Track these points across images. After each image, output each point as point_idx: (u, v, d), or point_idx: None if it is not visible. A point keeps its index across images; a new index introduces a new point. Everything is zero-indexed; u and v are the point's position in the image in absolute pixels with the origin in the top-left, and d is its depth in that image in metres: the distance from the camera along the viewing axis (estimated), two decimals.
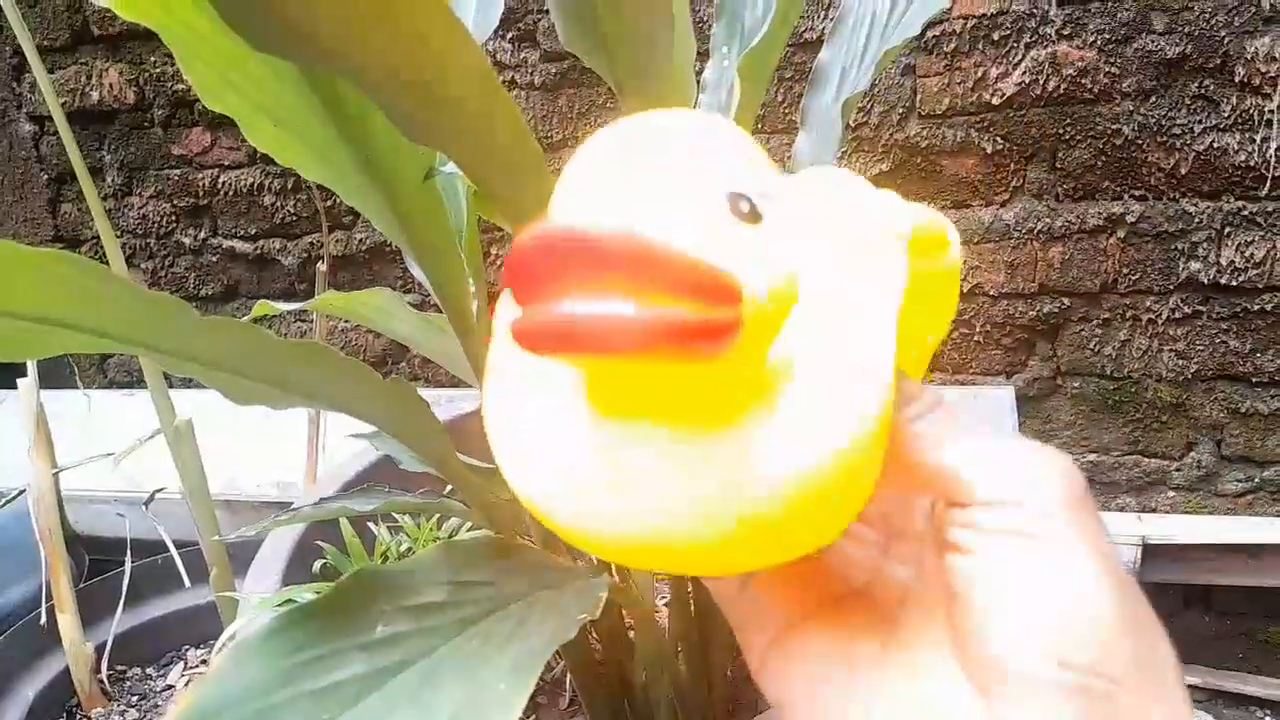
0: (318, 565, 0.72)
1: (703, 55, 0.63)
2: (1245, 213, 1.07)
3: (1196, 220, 1.08)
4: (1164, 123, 1.06)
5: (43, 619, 0.97)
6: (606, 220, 0.17)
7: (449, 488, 0.70)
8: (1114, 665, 0.19)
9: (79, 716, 0.97)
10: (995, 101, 1.11)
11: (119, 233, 1.56)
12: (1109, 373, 1.16)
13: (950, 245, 0.25)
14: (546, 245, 0.16)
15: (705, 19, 1.12)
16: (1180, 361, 1.13)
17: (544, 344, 0.17)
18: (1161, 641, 0.20)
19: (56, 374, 1.58)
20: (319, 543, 0.72)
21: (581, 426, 0.20)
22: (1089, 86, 1.07)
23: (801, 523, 0.20)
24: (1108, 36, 1.05)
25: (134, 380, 1.66)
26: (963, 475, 0.21)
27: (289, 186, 1.45)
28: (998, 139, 1.12)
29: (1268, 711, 1.07)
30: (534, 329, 0.17)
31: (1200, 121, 1.05)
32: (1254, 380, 1.12)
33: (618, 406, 0.20)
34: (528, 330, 0.17)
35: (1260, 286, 1.08)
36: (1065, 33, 1.07)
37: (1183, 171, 1.07)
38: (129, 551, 1.04)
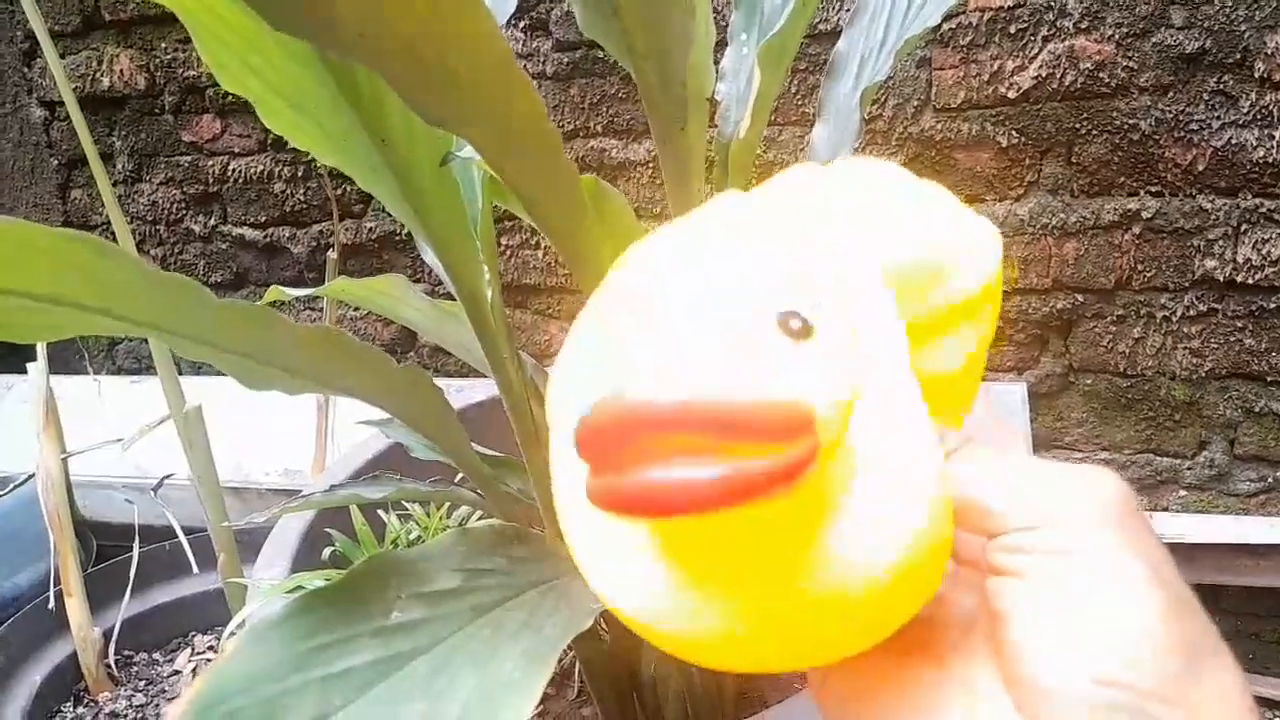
0: (327, 552, 0.72)
1: (720, 44, 0.63)
2: (1263, 210, 1.06)
3: (1213, 217, 1.07)
4: (1182, 118, 1.05)
5: (51, 604, 0.97)
6: (671, 388, 0.17)
7: (459, 476, 0.70)
8: (1160, 683, 0.18)
9: (86, 701, 0.98)
10: (1011, 95, 1.10)
11: (128, 219, 1.56)
12: (1122, 370, 1.15)
13: (970, 267, 0.24)
14: (617, 419, 0.16)
15: (723, 7, 1.12)
16: (1194, 359, 1.12)
17: (622, 510, 0.17)
18: (1210, 655, 0.19)
19: (66, 359, 1.59)
20: (328, 530, 0.72)
21: (658, 554, 0.21)
22: (1106, 80, 1.06)
23: (864, 620, 0.20)
24: (1126, 30, 1.04)
25: (143, 366, 1.66)
26: (993, 508, 0.21)
27: (299, 174, 1.45)
28: (1013, 133, 1.11)
29: (1276, 713, 1.06)
30: (612, 497, 0.17)
31: (1218, 117, 1.04)
32: (1269, 379, 1.11)
33: (686, 547, 0.20)
34: (606, 498, 0.17)
35: (1277, 284, 1.07)
36: (1083, 26, 1.06)
37: (1200, 167, 1.06)
38: (137, 537, 1.04)
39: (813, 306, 0.19)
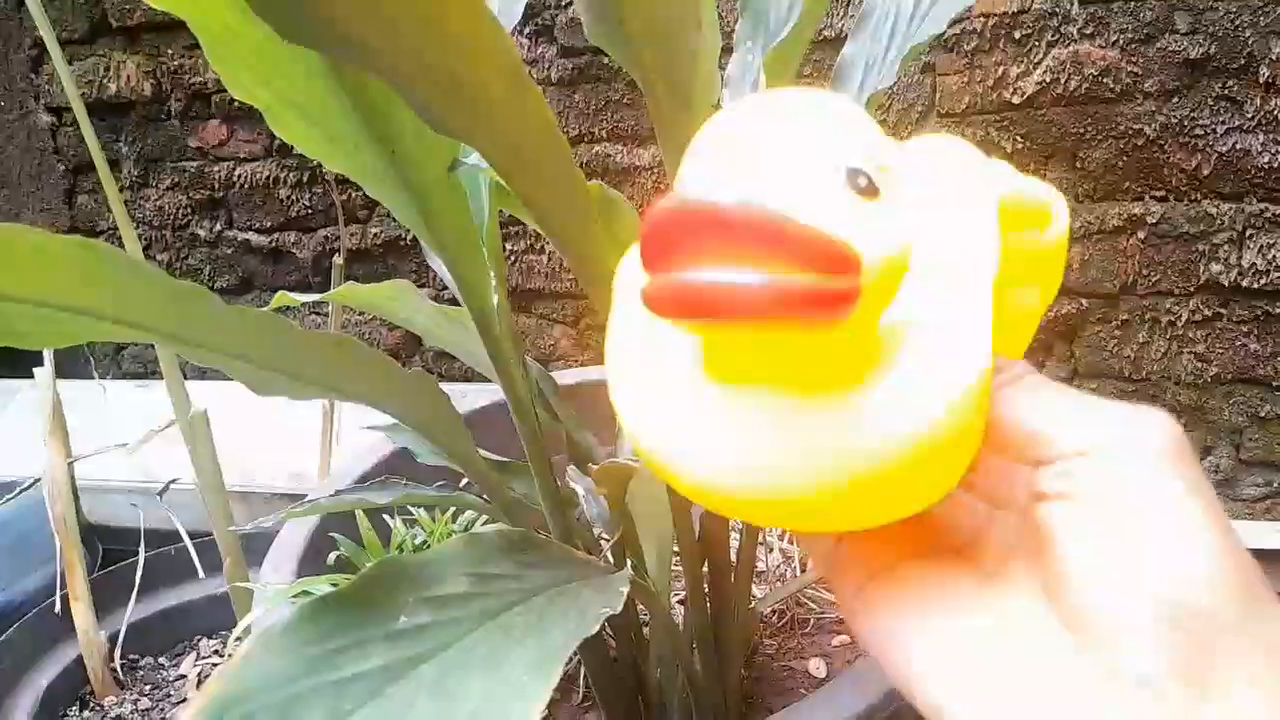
0: (332, 557, 0.72)
1: (726, 51, 0.63)
2: (1268, 214, 1.06)
3: (1218, 222, 1.07)
4: (1186, 123, 1.06)
5: (57, 608, 0.97)
6: (735, 193, 0.17)
7: (465, 481, 0.70)
8: (1219, 609, 0.18)
9: (92, 705, 0.98)
10: (1016, 101, 1.10)
11: (135, 224, 1.56)
12: (1127, 375, 1.15)
13: (1053, 219, 0.25)
14: (679, 215, 0.17)
15: (728, 14, 1.12)
16: (1200, 364, 1.12)
17: (673, 309, 0.18)
18: (1267, 593, 0.19)
19: (72, 364, 1.59)
20: (333, 535, 0.72)
21: (702, 390, 0.21)
22: (1111, 86, 1.07)
23: (907, 483, 0.21)
24: (1130, 36, 1.05)
25: (149, 371, 1.67)
26: (1047, 433, 0.21)
27: (305, 180, 1.46)
28: (1018, 138, 1.11)
29: None
30: (665, 294, 0.18)
31: (1223, 122, 1.04)
32: (1274, 384, 1.11)
33: (736, 373, 0.21)
34: (659, 295, 0.18)
35: None
36: (1087, 32, 1.06)
37: (1205, 173, 1.06)
38: (143, 541, 1.04)
39: (879, 172, 0.20)
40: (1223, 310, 1.10)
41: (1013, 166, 0.26)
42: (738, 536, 0.67)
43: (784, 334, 0.19)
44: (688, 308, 0.18)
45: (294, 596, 0.65)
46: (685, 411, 0.21)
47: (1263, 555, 1.02)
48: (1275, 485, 1.14)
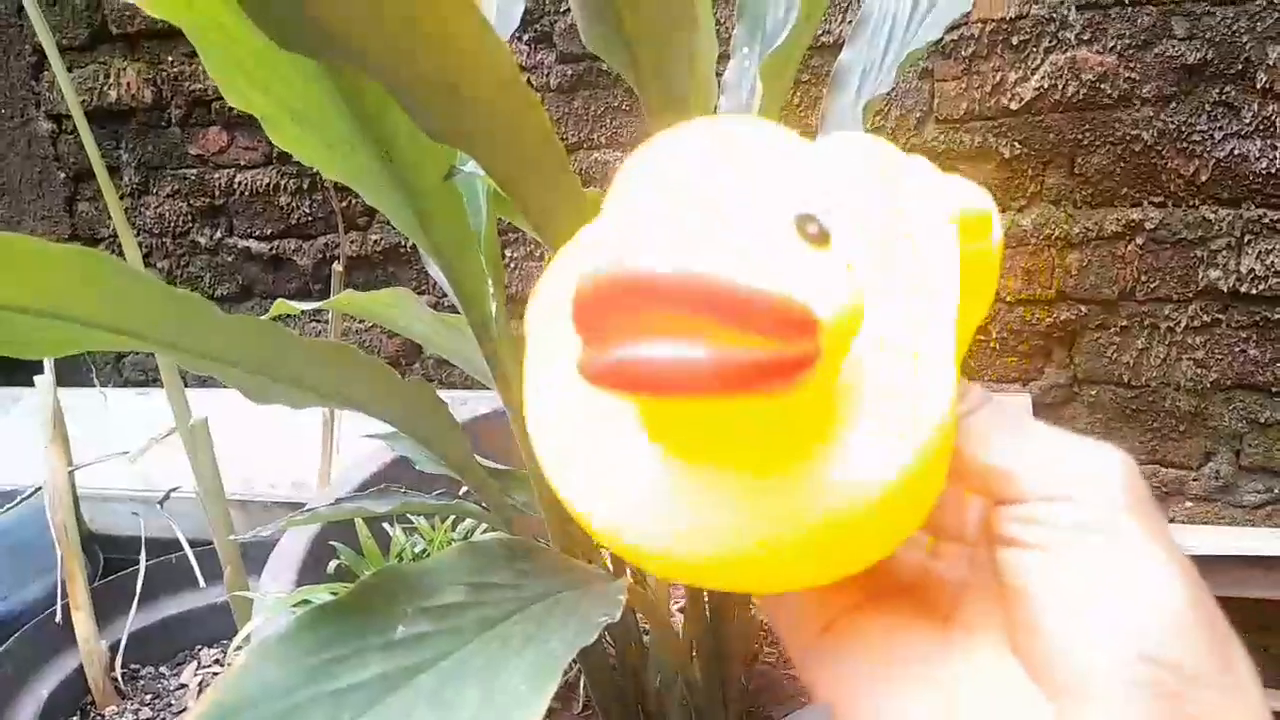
0: (332, 566, 0.72)
1: (723, 57, 0.63)
2: (1266, 220, 1.06)
3: (1216, 227, 1.07)
4: (1184, 129, 1.06)
5: (57, 617, 0.97)
6: (672, 257, 0.16)
7: (464, 489, 0.70)
8: (1192, 663, 0.18)
9: (93, 714, 0.98)
10: (1013, 106, 1.10)
11: (135, 232, 1.56)
12: (1126, 381, 1.15)
13: (993, 225, 0.25)
14: (614, 284, 0.16)
15: (726, 20, 1.12)
16: (1199, 370, 1.12)
17: (612, 384, 0.16)
18: (1234, 641, 0.19)
19: (73, 372, 1.59)
20: (333, 543, 0.72)
21: (650, 461, 0.20)
22: (1108, 92, 1.07)
23: (876, 532, 0.20)
24: (1128, 42, 1.05)
25: (149, 379, 1.67)
26: (1017, 471, 0.21)
27: (305, 187, 1.46)
28: (1015, 144, 1.11)
29: None
30: (603, 371, 0.16)
31: (1221, 128, 1.05)
32: (1273, 390, 1.11)
33: (685, 439, 0.20)
34: (596, 371, 0.16)
35: None
36: (1085, 38, 1.06)
37: (1203, 178, 1.06)
38: (143, 550, 1.04)
39: (830, 216, 0.19)
40: (1221, 316, 1.10)
41: (936, 165, 0.25)
42: None
43: (736, 404, 0.18)
44: (629, 384, 0.16)
45: (294, 605, 0.65)
46: (636, 486, 0.20)
47: (1263, 562, 1.02)
48: (1276, 491, 1.14)
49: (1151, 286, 1.11)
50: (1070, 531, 0.20)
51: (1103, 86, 1.07)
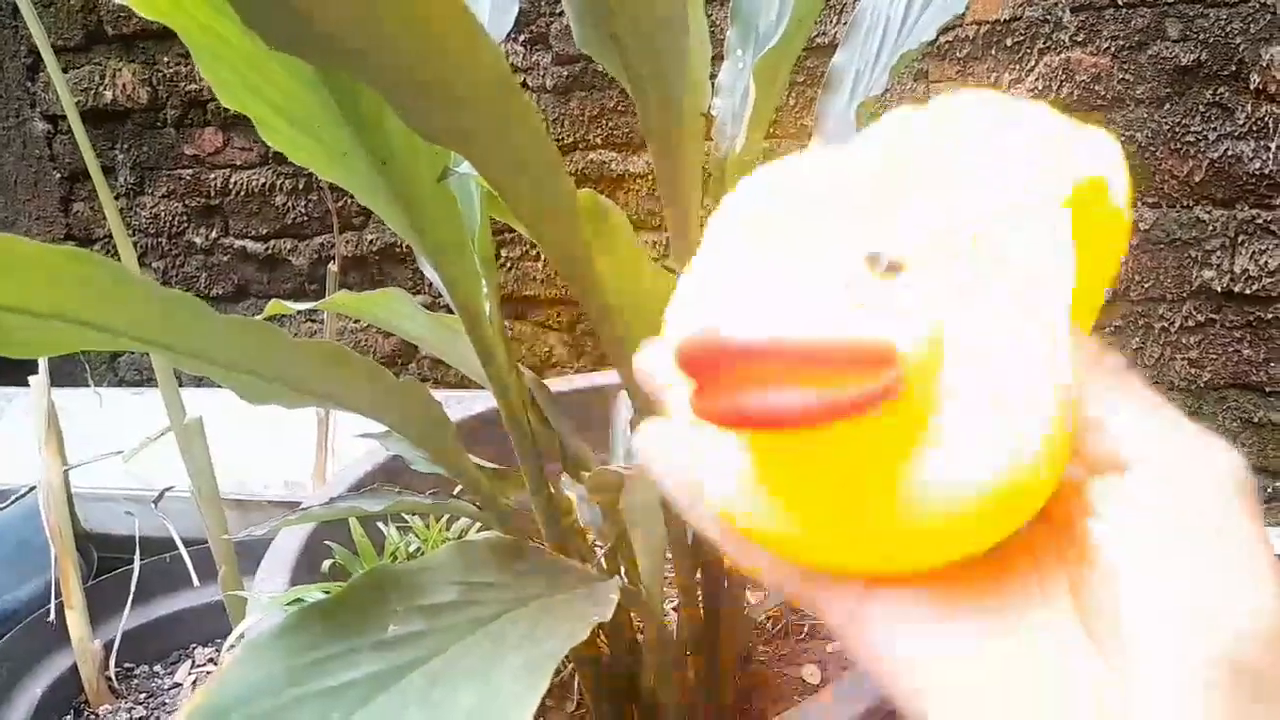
0: (326, 565, 0.72)
1: (717, 59, 0.63)
2: (1260, 221, 1.06)
3: (1210, 228, 1.08)
4: (1178, 130, 1.06)
5: (51, 616, 0.97)
6: (763, 328, 0.19)
7: (458, 489, 0.70)
8: (1267, 662, 0.17)
9: (86, 714, 0.98)
10: None
11: (131, 232, 1.56)
12: None
13: (1110, 188, 0.23)
14: (715, 352, 0.19)
15: (720, 22, 1.12)
16: (1193, 370, 1.13)
17: (730, 425, 0.20)
18: None
19: (68, 371, 1.59)
20: (327, 542, 0.72)
21: (759, 463, 0.22)
22: (1102, 93, 1.07)
23: (970, 532, 0.20)
24: (1122, 43, 1.05)
25: (144, 379, 1.67)
26: (1124, 443, 0.20)
27: (300, 187, 1.46)
28: None
29: None
30: (715, 413, 0.19)
31: (1215, 129, 1.05)
32: (1267, 390, 1.11)
33: (791, 457, 0.22)
34: (709, 413, 0.19)
35: (1274, 295, 1.08)
36: (1079, 39, 1.06)
37: (1197, 179, 1.07)
38: (138, 549, 1.04)
39: (901, 244, 0.21)
40: (1215, 316, 1.10)
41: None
42: None
43: (841, 430, 0.20)
44: (739, 425, 0.20)
45: (287, 604, 0.65)
46: (728, 452, 0.22)
47: None
48: (1270, 490, 1.14)
49: (1146, 286, 1.12)
50: (1162, 512, 0.19)
51: (1097, 88, 1.07)
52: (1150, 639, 0.18)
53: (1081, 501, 0.20)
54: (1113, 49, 1.05)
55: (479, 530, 0.75)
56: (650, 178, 1.29)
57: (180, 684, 1.01)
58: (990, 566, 0.21)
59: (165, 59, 1.46)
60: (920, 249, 0.21)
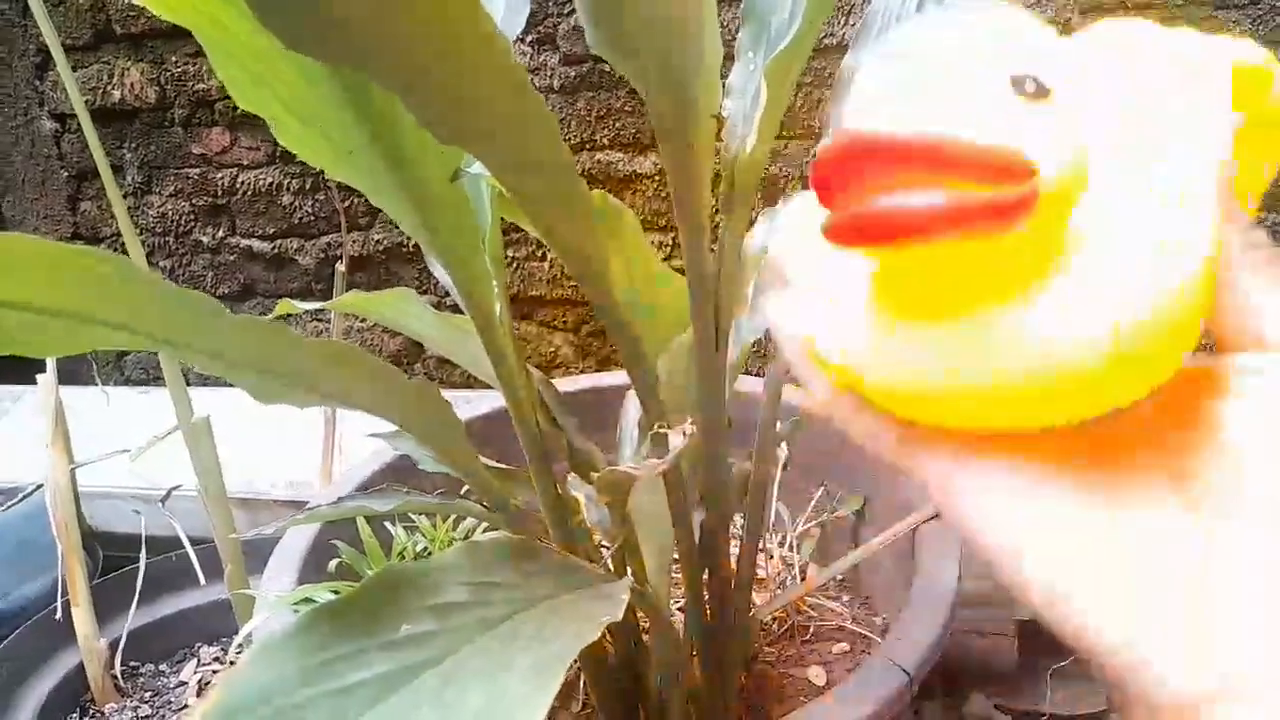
0: (333, 564, 0.72)
1: (728, 60, 0.63)
2: (1266, 223, 1.06)
3: None
4: None
5: (58, 614, 0.97)
6: (898, 123, 0.19)
7: (465, 488, 0.71)
8: None
9: (92, 712, 0.98)
10: None
11: (138, 231, 1.57)
12: None
13: (1273, 82, 0.22)
14: (850, 150, 0.18)
15: (731, 23, 1.12)
16: None
17: (859, 237, 0.19)
18: None
19: (75, 370, 1.59)
20: (334, 542, 0.72)
21: (884, 314, 0.21)
22: None
23: (1100, 386, 0.19)
24: None
25: (151, 378, 1.67)
26: (1269, 324, 0.19)
27: (307, 186, 1.46)
28: None
29: None
30: (849, 223, 0.18)
31: None
32: None
33: (912, 298, 0.21)
34: (843, 225, 0.19)
35: None
36: None
37: None
38: (144, 548, 1.04)
39: (1051, 72, 0.20)
40: None
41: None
42: (737, 544, 0.67)
43: (972, 249, 0.19)
44: (869, 234, 0.18)
45: (295, 604, 0.65)
46: (869, 332, 0.21)
47: None
48: None
49: None
50: None
51: None
52: (1268, 524, 0.17)
53: (1211, 381, 0.19)
54: None
55: (486, 531, 0.75)
56: (657, 178, 1.29)
57: (185, 683, 1.01)
58: (1100, 437, 0.20)
59: (174, 58, 1.46)
60: (1075, 86, 0.20)
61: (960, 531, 0.21)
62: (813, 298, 0.23)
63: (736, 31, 0.61)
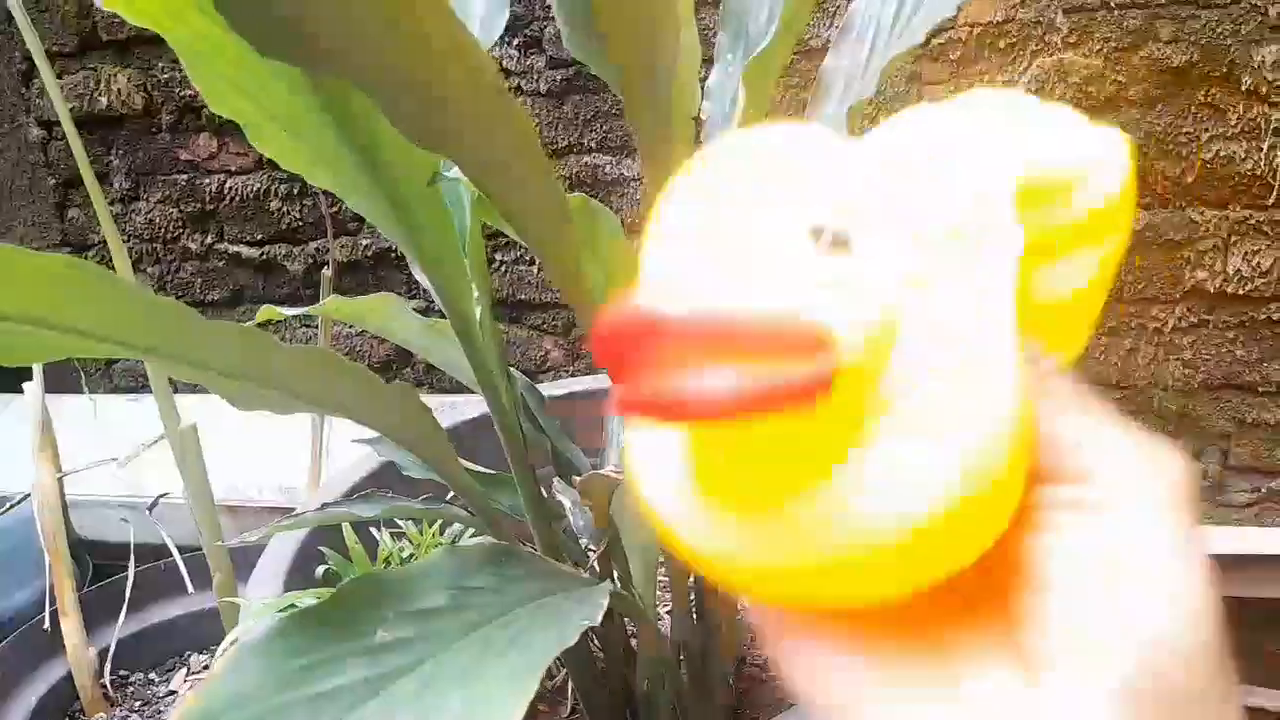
0: (320, 571, 0.72)
1: (707, 62, 0.63)
2: (1252, 221, 1.06)
3: (1203, 229, 1.08)
4: (1170, 131, 1.06)
5: (46, 623, 0.97)
6: (684, 301, 0.17)
7: (451, 494, 0.70)
8: (1179, 674, 0.17)
9: None
10: None
11: (126, 237, 1.56)
12: (1115, 382, 1.16)
13: (1076, 186, 0.22)
14: (638, 329, 0.17)
15: (710, 26, 1.12)
16: (1186, 370, 1.13)
17: (651, 415, 0.17)
18: (1229, 667, 0.18)
19: (62, 378, 1.59)
20: (321, 548, 0.72)
21: (696, 479, 0.20)
22: (1095, 94, 1.07)
23: (920, 555, 0.18)
24: (1114, 44, 1.05)
25: (139, 385, 1.66)
26: (1064, 448, 0.19)
27: (295, 192, 1.46)
28: None
29: None
30: (640, 403, 0.17)
31: (1207, 130, 1.05)
32: (1260, 390, 1.11)
33: (725, 459, 0.20)
34: (634, 404, 0.17)
35: (1267, 295, 1.08)
36: (1071, 41, 1.07)
37: (1189, 180, 1.07)
38: (132, 556, 1.04)
39: (852, 220, 0.19)
40: (1209, 316, 1.10)
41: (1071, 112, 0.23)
42: None
43: (772, 424, 0.17)
44: (660, 415, 0.17)
45: (280, 610, 0.65)
46: (682, 491, 0.20)
47: (1254, 561, 1.02)
48: (1264, 490, 1.15)
49: (1139, 288, 1.12)
50: (1094, 515, 0.19)
51: (1089, 89, 1.07)
52: (1069, 658, 0.18)
53: (1030, 518, 0.19)
54: (1105, 50, 1.06)
55: (472, 535, 0.74)
56: (644, 182, 1.29)
57: (175, 691, 1.00)
58: (936, 605, 0.20)
59: (160, 65, 1.46)
60: (879, 229, 0.19)
61: (802, 700, 0.21)
62: (655, 436, 0.21)
63: (716, 34, 0.62)
